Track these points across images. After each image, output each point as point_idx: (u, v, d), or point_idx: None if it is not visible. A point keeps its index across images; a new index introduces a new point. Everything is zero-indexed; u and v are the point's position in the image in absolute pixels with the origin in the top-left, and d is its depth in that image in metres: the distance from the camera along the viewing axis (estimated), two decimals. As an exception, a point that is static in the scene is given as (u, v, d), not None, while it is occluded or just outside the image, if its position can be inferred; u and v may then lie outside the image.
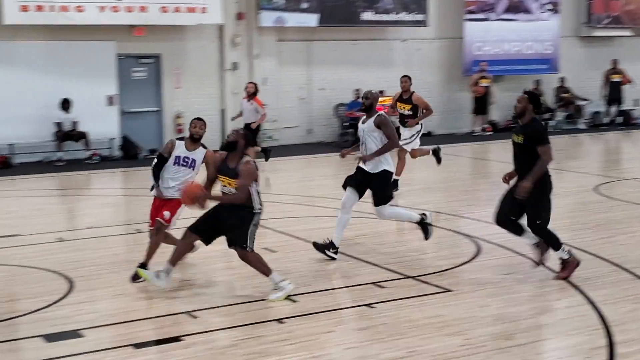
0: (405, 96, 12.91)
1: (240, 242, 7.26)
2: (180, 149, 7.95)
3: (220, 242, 7.44)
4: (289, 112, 20.23)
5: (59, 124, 17.05)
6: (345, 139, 19.36)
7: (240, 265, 7.50)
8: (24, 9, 16.28)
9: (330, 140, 20.37)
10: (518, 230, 7.98)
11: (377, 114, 8.87)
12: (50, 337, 6.44)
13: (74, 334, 6.51)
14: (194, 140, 7.96)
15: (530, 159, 7.66)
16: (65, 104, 17.13)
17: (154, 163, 8.05)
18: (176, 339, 6.38)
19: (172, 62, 18.69)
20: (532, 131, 7.73)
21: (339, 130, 20.34)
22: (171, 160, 7.93)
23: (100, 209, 12.44)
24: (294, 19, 19.52)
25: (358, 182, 8.81)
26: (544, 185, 7.72)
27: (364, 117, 9.00)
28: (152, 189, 8.08)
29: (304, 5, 19.53)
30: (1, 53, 16.79)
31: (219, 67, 19.24)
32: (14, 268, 8.64)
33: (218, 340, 6.44)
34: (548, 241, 7.86)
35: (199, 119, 8.05)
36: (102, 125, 17.70)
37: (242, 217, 7.25)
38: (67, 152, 17.14)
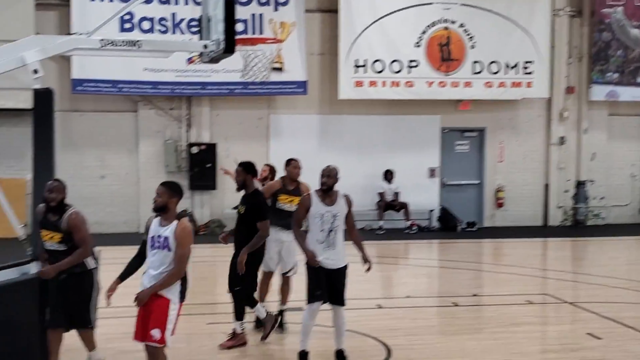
0: None
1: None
2: None
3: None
4: (619, 190, 19.06)
5: (381, 194, 17.64)
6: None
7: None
8: (359, 84, 17.27)
9: (664, 221, 18.88)
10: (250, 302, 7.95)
11: None
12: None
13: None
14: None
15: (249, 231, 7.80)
16: (389, 175, 17.70)
17: None
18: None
19: (497, 136, 18.56)
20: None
21: (674, 210, 18.75)
22: None
23: (417, 279, 12.51)
24: (627, 93, 18.49)
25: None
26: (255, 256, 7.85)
27: None
28: None
29: (640, 79, 18.45)
30: (335, 125, 17.86)
31: (545, 141, 18.71)
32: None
33: None
34: (236, 307, 7.92)
35: None
36: (423, 196, 18.02)
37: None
38: (388, 222, 17.61)
